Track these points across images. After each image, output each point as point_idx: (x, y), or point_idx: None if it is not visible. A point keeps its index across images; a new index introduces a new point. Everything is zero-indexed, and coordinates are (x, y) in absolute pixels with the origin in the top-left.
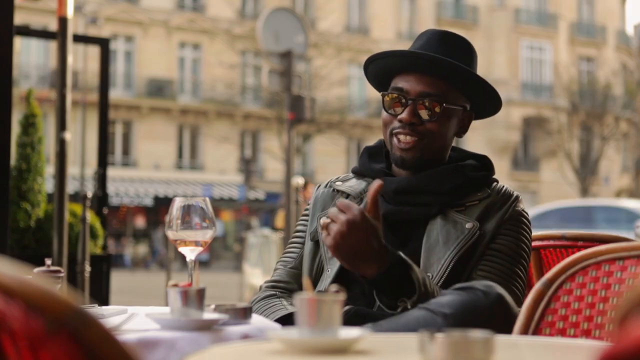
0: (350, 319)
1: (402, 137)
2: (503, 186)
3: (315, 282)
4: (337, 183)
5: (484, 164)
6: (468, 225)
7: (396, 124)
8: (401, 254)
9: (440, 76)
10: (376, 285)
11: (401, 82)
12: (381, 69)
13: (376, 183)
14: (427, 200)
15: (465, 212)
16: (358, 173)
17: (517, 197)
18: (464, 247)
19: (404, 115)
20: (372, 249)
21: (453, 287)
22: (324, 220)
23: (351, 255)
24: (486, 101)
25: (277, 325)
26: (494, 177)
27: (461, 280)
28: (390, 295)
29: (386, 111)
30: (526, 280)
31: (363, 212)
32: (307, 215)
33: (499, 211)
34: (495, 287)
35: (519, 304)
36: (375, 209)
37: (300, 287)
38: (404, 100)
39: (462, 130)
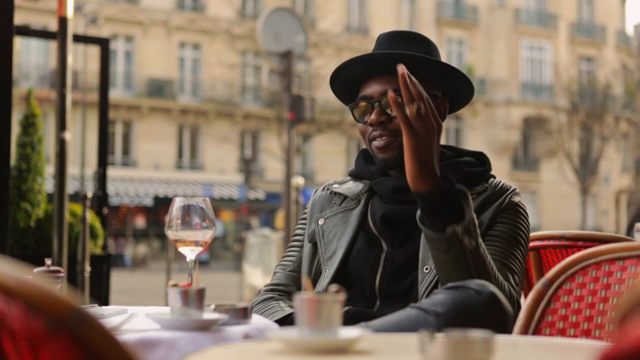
0: (349, 319)
1: (377, 139)
2: (500, 181)
3: (313, 284)
4: (334, 185)
5: (480, 160)
6: None
7: (370, 129)
8: (453, 180)
9: (394, 70)
10: (428, 204)
11: (364, 91)
12: (344, 85)
13: (400, 69)
14: None
15: None
16: (355, 175)
17: (513, 190)
18: None
19: (372, 117)
20: (434, 164)
21: (445, 286)
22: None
23: (421, 160)
24: (455, 83)
25: (277, 326)
26: (492, 174)
27: None
28: (441, 218)
29: (358, 122)
30: (524, 265)
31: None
32: (305, 218)
33: (495, 202)
34: (488, 285)
35: (519, 286)
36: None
37: (299, 289)
38: (370, 106)
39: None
